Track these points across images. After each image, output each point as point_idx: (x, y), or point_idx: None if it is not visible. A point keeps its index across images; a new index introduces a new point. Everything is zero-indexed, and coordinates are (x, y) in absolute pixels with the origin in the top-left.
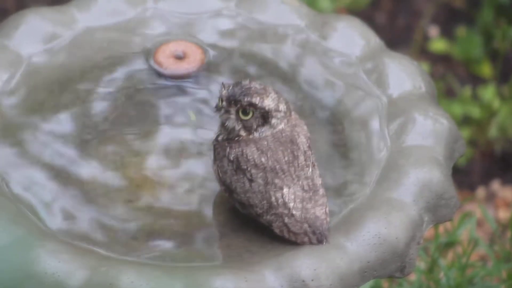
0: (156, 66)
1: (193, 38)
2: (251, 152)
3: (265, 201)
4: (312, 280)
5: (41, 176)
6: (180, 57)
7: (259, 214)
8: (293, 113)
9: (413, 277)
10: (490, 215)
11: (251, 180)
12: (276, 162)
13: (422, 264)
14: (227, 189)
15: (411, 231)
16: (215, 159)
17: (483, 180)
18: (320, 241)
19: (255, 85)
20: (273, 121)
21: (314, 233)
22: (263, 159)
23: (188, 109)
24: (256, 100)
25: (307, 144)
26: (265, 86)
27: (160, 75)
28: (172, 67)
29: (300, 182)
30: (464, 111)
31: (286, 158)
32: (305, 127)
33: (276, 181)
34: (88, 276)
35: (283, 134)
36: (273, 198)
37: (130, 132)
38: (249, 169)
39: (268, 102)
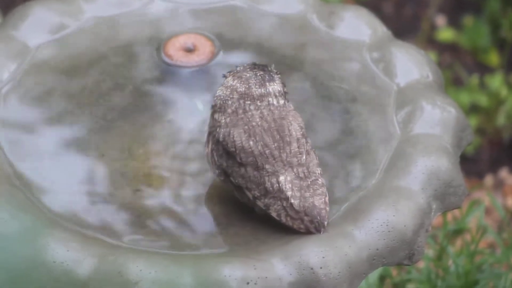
0: (166, 59)
1: (203, 30)
2: (238, 133)
3: (261, 186)
4: (321, 268)
5: (48, 164)
6: (190, 50)
7: (256, 197)
8: (285, 102)
9: (421, 264)
10: (498, 202)
11: (242, 164)
12: (266, 146)
13: (430, 252)
14: (223, 173)
15: (420, 219)
16: (207, 142)
17: (491, 168)
18: (318, 230)
19: (249, 73)
20: (215, 116)
21: (312, 222)
22: (251, 143)
23: (196, 99)
24: (223, 81)
25: (301, 132)
26: (252, 81)
27: (168, 66)
28: (182, 59)
29: (295, 170)
30: (472, 100)
31: (275, 144)
32: (299, 118)
33: (267, 166)
34: (96, 264)
35: (270, 124)
36: (267, 184)
37: (137, 122)
38: (237, 151)
39: (219, 93)
